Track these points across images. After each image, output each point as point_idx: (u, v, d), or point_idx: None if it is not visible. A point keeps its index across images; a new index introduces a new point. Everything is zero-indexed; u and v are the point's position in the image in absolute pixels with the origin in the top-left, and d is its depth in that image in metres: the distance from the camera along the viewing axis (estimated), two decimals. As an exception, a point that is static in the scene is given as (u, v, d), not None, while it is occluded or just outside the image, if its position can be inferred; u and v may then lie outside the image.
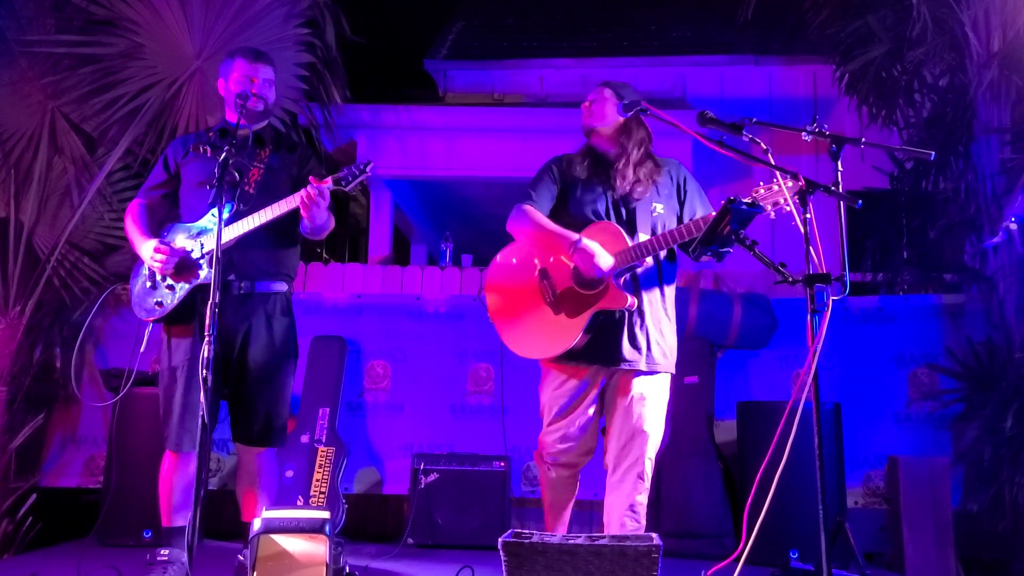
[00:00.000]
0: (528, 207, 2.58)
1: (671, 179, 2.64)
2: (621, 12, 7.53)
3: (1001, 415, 3.56)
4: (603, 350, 2.48)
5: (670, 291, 2.61)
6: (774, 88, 6.52)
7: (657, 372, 2.53)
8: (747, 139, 2.20)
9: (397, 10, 7.97)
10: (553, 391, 2.57)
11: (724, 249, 2.25)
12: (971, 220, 4.05)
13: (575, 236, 2.44)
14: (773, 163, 2.14)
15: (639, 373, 2.51)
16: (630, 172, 2.54)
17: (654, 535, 2.16)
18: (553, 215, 2.59)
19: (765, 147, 2.18)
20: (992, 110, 4.04)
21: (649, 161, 2.59)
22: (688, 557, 3.41)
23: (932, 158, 2.21)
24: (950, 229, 4.15)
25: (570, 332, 2.46)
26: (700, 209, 2.62)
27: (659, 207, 2.57)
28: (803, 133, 2.12)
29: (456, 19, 7.64)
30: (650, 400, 2.52)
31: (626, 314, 2.48)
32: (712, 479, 3.62)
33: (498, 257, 2.73)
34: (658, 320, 2.54)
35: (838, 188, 2.01)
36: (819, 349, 1.92)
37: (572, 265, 2.48)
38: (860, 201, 1.97)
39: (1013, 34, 3.96)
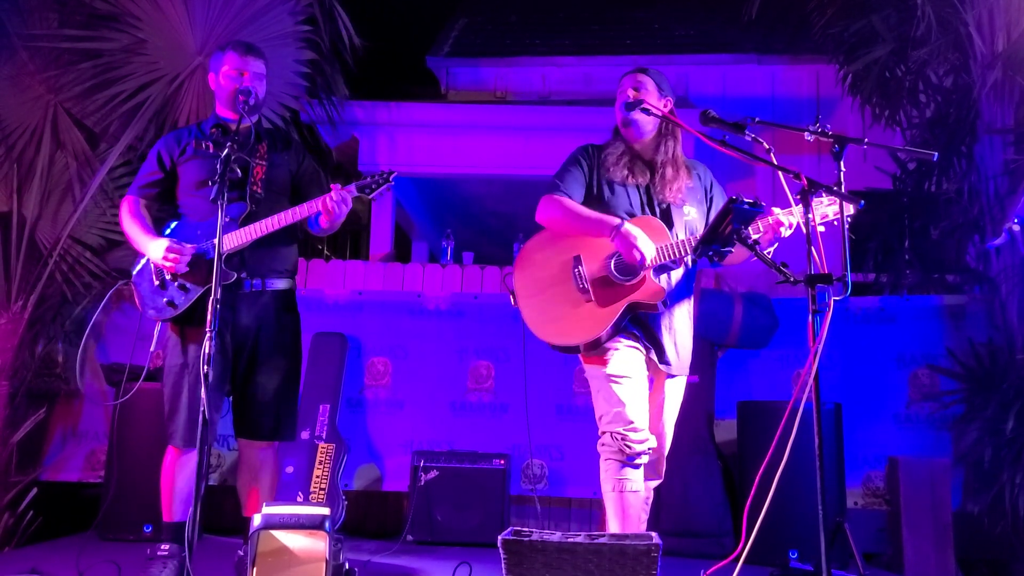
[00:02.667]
0: (560, 196, 2.49)
1: (700, 182, 2.60)
2: (624, 10, 7.52)
3: (1002, 417, 3.55)
4: (654, 346, 2.45)
5: (692, 298, 2.61)
6: (777, 87, 6.51)
7: (682, 374, 2.57)
8: (750, 138, 2.20)
9: (399, 7, 7.96)
10: (613, 369, 2.39)
11: (726, 248, 2.25)
12: (974, 221, 4.04)
13: (616, 220, 2.38)
14: (776, 163, 2.14)
15: (671, 376, 2.53)
16: (676, 177, 2.49)
17: (653, 534, 2.16)
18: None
19: (768, 146, 2.18)
20: (996, 111, 4.03)
21: (684, 163, 2.55)
22: (687, 556, 3.41)
23: (935, 159, 2.21)
24: (953, 230, 4.14)
25: (599, 321, 2.39)
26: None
27: (692, 211, 2.53)
28: (806, 133, 2.12)
29: (459, 16, 7.63)
30: (676, 399, 2.57)
31: (660, 317, 2.45)
32: (712, 478, 3.62)
33: (530, 241, 2.60)
34: (685, 324, 2.54)
35: (840, 188, 2.01)
36: (820, 349, 1.92)
37: (610, 252, 2.41)
38: (862, 201, 1.97)
39: (1017, 34, 3.95)
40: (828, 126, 2.09)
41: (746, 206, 2.09)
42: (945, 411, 3.80)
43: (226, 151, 2.28)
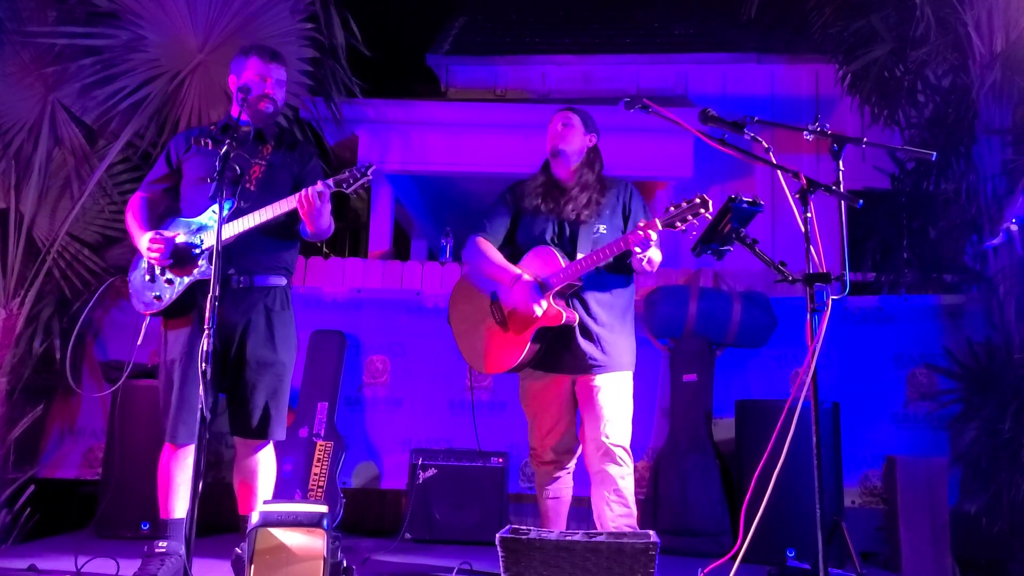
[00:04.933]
0: (479, 239, 2.80)
1: (617, 199, 2.80)
2: (624, 8, 7.52)
3: (1000, 416, 3.56)
4: (561, 358, 2.68)
5: (620, 296, 2.76)
6: (776, 86, 6.51)
7: (615, 370, 2.70)
8: (749, 137, 2.20)
9: (400, 5, 7.95)
10: (527, 398, 2.82)
11: (724, 247, 2.26)
12: (972, 221, 4.05)
13: (512, 275, 2.66)
14: (774, 162, 2.15)
15: (598, 373, 2.68)
16: (582, 197, 2.73)
17: (651, 532, 2.17)
18: (508, 237, 2.83)
19: (767, 146, 2.18)
20: (994, 111, 4.03)
21: (598, 184, 2.77)
22: (685, 554, 3.41)
23: (933, 159, 2.21)
24: (951, 230, 4.15)
25: (517, 347, 2.66)
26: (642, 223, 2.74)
27: (602, 227, 2.74)
28: (805, 132, 2.12)
29: (459, 14, 7.62)
30: (611, 391, 2.68)
31: (582, 325, 2.66)
32: (710, 477, 3.62)
33: (458, 281, 2.96)
34: (610, 324, 2.71)
35: (839, 187, 2.01)
36: (818, 348, 1.92)
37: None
38: (861, 201, 1.97)
39: (1016, 35, 3.95)
40: (827, 125, 2.10)
41: (745, 205, 2.10)
42: (943, 410, 3.81)
43: (225, 148, 2.27)
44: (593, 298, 2.70)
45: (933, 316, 4.00)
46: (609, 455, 2.64)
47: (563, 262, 2.65)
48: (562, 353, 2.68)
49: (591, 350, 2.66)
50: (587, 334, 2.67)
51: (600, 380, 2.69)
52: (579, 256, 2.66)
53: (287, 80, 2.84)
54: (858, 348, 3.97)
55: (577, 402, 2.76)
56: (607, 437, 2.65)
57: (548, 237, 2.75)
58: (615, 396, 2.69)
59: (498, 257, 2.76)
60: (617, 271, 2.76)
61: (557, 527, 2.80)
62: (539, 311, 2.58)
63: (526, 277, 2.63)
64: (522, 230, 2.81)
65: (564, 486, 2.86)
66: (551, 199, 2.77)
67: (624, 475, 2.65)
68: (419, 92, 6.87)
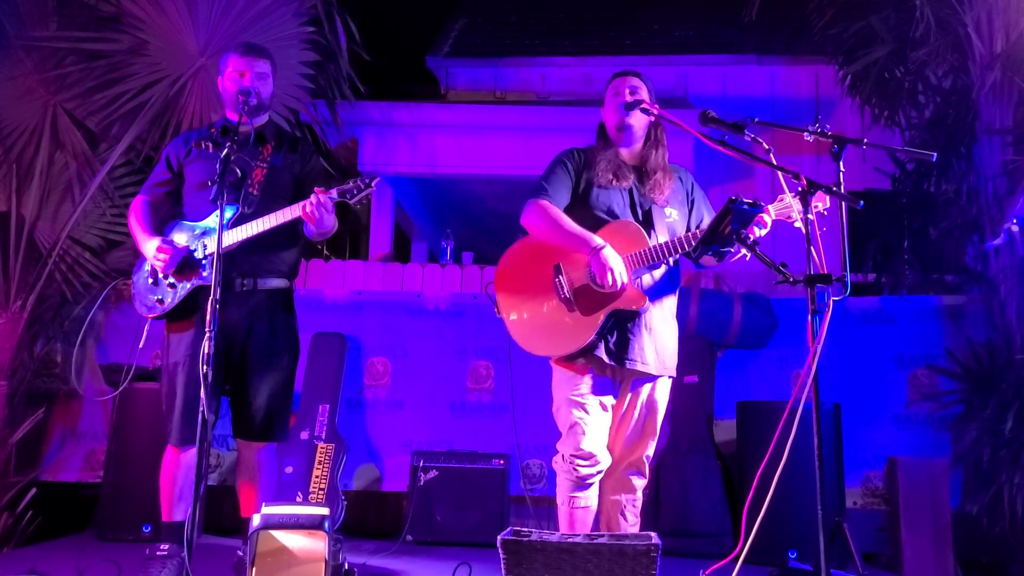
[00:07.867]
0: (545, 202, 2.49)
1: (681, 185, 2.63)
2: (624, 11, 7.53)
3: (1001, 417, 3.56)
4: (620, 351, 2.43)
5: (675, 297, 2.60)
6: (776, 88, 6.51)
7: (663, 376, 2.54)
8: (749, 139, 2.20)
9: (400, 7, 7.97)
10: (574, 391, 2.45)
11: (725, 249, 2.25)
12: (972, 222, 4.05)
13: (596, 242, 2.37)
14: (775, 163, 2.14)
15: (649, 377, 2.50)
16: (660, 176, 2.53)
17: (653, 534, 2.16)
18: (568, 210, 2.52)
19: (767, 147, 2.18)
20: (994, 111, 4.03)
21: (668, 168, 2.59)
22: (686, 556, 3.41)
23: (934, 159, 2.20)
24: (951, 230, 4.15)
25: (584, 330, 2.40)
26: (707, 216, 2.62)
27: (673, 213, 2.55)
28: (805, 133, 2.12)
29: (459, 16, 7.63)
30: (659, 404, 2.54)
31: (639, 317, 2.45)
32: (711, 478, 3.62)
33: (510, 250, 2.61)
34: (665, 325, 2.53)
35: (840, 189, 2.01)
36: (819, 349, 1.92)
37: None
38: (862, 202, 1.97)
39: (1016, 35, 3.95)
40: (827, 126, 2.09)
41: (745, 206, 2.10)
42: (944, 411, 3.81)
43: (225, 151, 2.28)
44: (655, 292, 2.47)
45: (934, 317, 4.00)
46: (640, 469, 2.54)
47: (649, 241, 2.42)
48: (621, 345, 2.42)
49: (649, 349, 2.44)
50: (646, 331, 2.45)
51: (652, 388, 2.51)
52: (657, 238, 2.45)
53: (289, 82, 2.84)
54: (859, 349, 3.97)
55: (622, 401, 2.51)
56: (644, 453, 2.52)
57: (618, 213, 2.49)
58: (662, 409, 2.54)
59: (570, 222, 2.45)
60: (677, 265, 2.59)
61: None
62: (619, 282, 2.32)
63: (609, 251, 2.35)
64: (590, 201, 2.51)
65: (596, 492, 2.51)
66: (623, 177, 2.51)
67: (643, 486, 2.57)
68: (419, 94, 6.87)
